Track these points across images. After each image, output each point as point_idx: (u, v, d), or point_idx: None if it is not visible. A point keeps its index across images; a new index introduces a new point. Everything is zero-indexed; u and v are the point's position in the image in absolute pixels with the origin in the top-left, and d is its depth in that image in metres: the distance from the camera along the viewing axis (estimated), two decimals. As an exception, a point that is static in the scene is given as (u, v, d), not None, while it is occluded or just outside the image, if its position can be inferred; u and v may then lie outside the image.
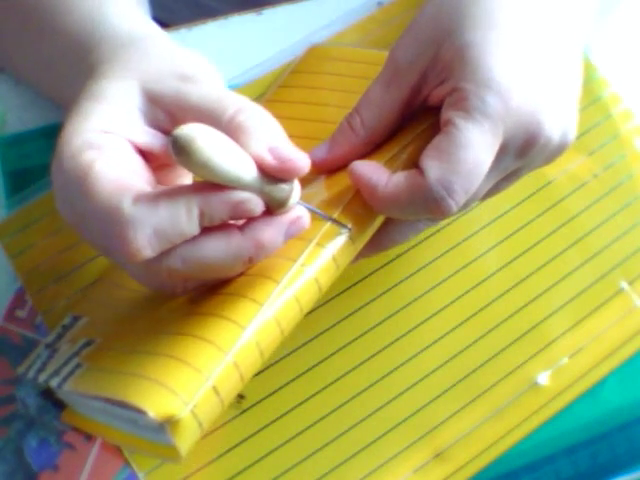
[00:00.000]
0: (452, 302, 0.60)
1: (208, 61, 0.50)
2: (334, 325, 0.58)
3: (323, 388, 0.57)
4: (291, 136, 0.47)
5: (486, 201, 0.55)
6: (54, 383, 0.50)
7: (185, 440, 0.44)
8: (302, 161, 0.46)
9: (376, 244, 0.52)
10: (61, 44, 0.55)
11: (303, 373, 0.57)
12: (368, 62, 0.61)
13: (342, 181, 0.51)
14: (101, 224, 0.44)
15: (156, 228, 0.43)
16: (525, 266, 0.61)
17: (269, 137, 0.46)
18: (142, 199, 0.43)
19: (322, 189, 0.52)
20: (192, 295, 0.49)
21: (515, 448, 0.58)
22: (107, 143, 0.45)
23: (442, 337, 0.59)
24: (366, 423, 0.57)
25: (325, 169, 0.53)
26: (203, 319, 0.46)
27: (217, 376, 0.44)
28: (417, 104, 0.53)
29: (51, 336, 0.54)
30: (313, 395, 0.57)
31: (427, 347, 0.59)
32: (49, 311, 0.58)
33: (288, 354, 0.57)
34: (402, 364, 0.58)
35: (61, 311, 0.56)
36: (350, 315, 0.59)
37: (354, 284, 0.59)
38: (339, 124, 0.53)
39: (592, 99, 0.66)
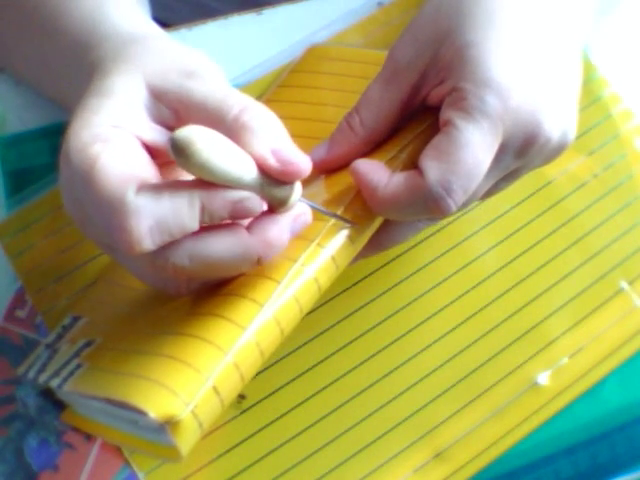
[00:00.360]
0: (452, 302, 0.60)
1: (211, 59, 0.50)
2: (334, 325, 0.58)
3: (323, 388, 0.57)
4: (290, 135, 0.47)
5: (486, 201, 0.55)
6: (54, 384, 0.50)
7: (186, 440, 0.44)
8: (304, 164, 0.46)
9: (376, 244, 0.52)
10: (62, 43, 0.55)
11: (303, 373, 0.57)
12: (367, 62, 0.61)
13: (342, 181, 0.51)
14: (104, 214, 0.44)
15: (158, 219, 0.43)
16: (525, 266, 0.61)
17: (272, 138, 0.46)
18: (145, 189, 0.44)
19: (322, 189, 0.52)
20: (193, 295, 0.49)
21: (515, 448, 0.58)
22: (115, 137, 0.45)
23: (442, 337, 0.59)
24: (366, 423, 0.57)
25: (325, 169, 0.53)
26: (203, 319, 0.46)
27: (217, 376, 0.44)
28: (416, 104, 0.53)
29: (51, 336, 0.54)
30: (313, 395, 0.57)
31: (427, 347, 0.59)
32: (49, 311, 0.58)
33: (288, 354, 0.57)
34: (402, 364, 0.58)
35: (61, 311, 0.56)
36: (350, 315, 0.59)
37: (354, 284, 0.59)
38: (338, 124, 0.53)
39: (592, 99, 0.66)
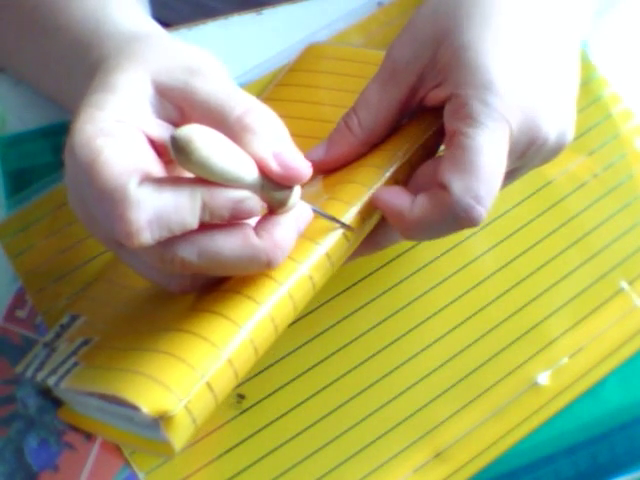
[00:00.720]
0: (452, 302, 0.60)
1: (213, 57, 0.50)
2: (334, 325, 0.58)
3: (323, 388, 0.57)
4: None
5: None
6: (51, 382, 0.50)
7: (179, 436, 0.44)
8: (304, 169, 0.46)
9: (373, 243, 0.52)
10: (63, 43, 0.55)
11: (303, 373, 0.57)
12: (366, 62, 0.61)
13: (340, 180, 0.51)
14: (105, 205, 0.44)
15: (158, 212, 0.43)
16: (525, 266, 0.61)
17: (274, 141, 0.46)
18: (148, 182, 0.44)
19: (320, 189, 0.52)
20: (194, 293, 0.49)
21: (515, 448, 0.58)
22: (121, 132, 0.45)
23: (442, 337, 0.59)
24: (366, 423, 0.57)
25: (323, 169, 0.53)
26: (198, 315, 0.46)
27: (211, 373, 0.44)
28: (414, 104, 0.53)
29: (49, 335, 0.54)
30: (313, 395, 0.57)
31: (427, 347, 0.59)
32: (49, 311, 0.58)
33: (288, 354, 0.57)
34: (402, 364, 0.58)
35: (61, 311, 0.56)
36: (350, 315, 0.59)
37: (354, 284, 0.59)
38: (336, 124, 0.53)
39: (592, 99, 0.66)
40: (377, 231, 0.52)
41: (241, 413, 0.56)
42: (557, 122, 0.50)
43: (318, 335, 0.58)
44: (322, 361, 0.58)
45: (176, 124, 0.48)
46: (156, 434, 0.44)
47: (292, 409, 0.57)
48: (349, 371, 0.58)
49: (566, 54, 0.52)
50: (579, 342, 0.60)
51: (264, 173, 0.45)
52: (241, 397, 0.56)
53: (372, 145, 0.52)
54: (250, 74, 0.64)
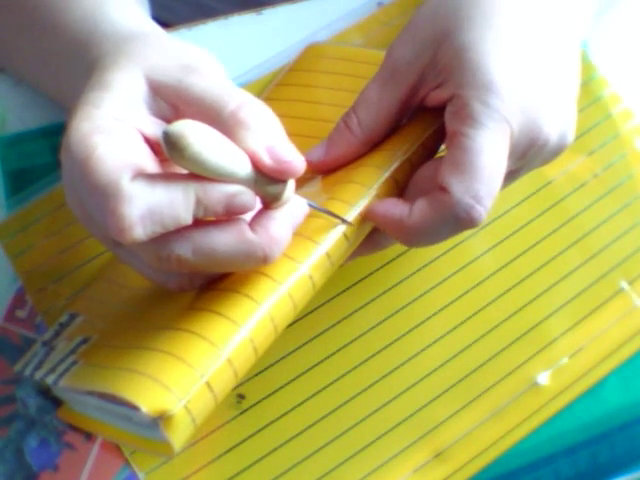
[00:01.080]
0: (452, 302, 0.60)
1: (211, 55, 0.50)
2: (334, 325, 0.58)
3: (323, 388, 0.57)
4: (287, 134, 0.47)
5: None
6: (50, 380, 0.50)
7: (178, 436, 0.44)
8: (298, 163, 0.46)
9: (373, 243, 0.52)
10: (61, 42, 0.55)
11: (303, 373, 0.57)
12: (366, 61, 0.61)
13: (339, 180, 0.51)
14: (98, 200, 0.44)
15: (151, 207, 0.43)
16: (525, 266, 0.61)
17: (268, 136, 0.46)
18: (141, 178, 0.43)
19: (319, 189, 0.52)
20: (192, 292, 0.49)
21: (515, 448, 0.58)
22: (117, 130, 0.45)
23: (442, 337, 0.59)
24: (366, 423, 0.57)
25: (323, 169, 0.53)
26: (198, 314, 0.46)
27: (211, 372, 0.44)
28: (414, 104, 0.53)
29: (48, 334, 0.54)
30: (313, 395, 0.57)
31: (427, 347, 0.59)
32: (49, 311, 0.58)
33: (288, 354, 0.57)
34: (402, 364, 0.58)
35: (61, 311, 0.56)
36: (350, 315, 0.59)
37: (354, 284, 0.59)
38: (336, 124, 0.53)
39: (592, 99, 0.66)
40: (377, 231, 0.52)
41: (241, 413, 0.56)
42: (558, 123, 0.50)
43: (318, 335, 0.58)
44: (322, 361, 0.58)
45: (170, 122, 0.48)
46: (155, 434, 0.44)
47: (292, 409, 0.57)
48: (349, 371, 0.58)
49: (566, 54, 0.52)
50: (579, 342, 0.60)
51: (257, 167, 0.45)
52: (241, 397, 0.56)
53: (372, 145, 0.52)
54: (250, 74, 0.64)
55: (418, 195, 0.49)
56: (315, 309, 0.58)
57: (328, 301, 0.58)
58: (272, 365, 0.57)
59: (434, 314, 0.60)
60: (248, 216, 0.46)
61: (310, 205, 0.48)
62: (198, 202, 0.44)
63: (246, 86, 0.63)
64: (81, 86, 0.49)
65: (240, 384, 0.52)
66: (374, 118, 0.52)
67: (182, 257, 0.45)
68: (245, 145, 0.45)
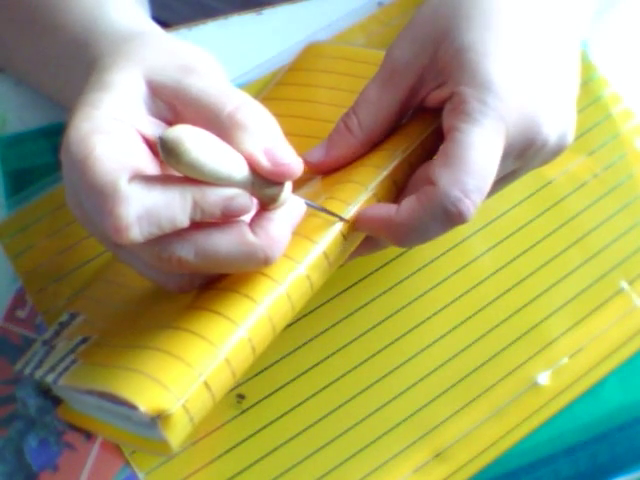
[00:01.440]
0: (452, 302, 0.60)
1: (210, 55, 0.50)
2: (334, 325, 0.58)
3: (323, 388, 0.57)
4: (286, 134, 0.47)
5: (486, 201, 0.55)
6: (50, 379, 0.50)
7: (176, 435, 0.44)
8: (295, 166, 0.46)
9: (373, 243, 0.52)
10: (61, 41, 0.55)
11: (303, 373, 0.57)
12: (365, 61, 0.61)
13: (338, 180, 0.51)
14: (96, 200, 0.44)
15: (148, 209, 0.43)
16: (525, 266, 0.61)
17: (265, 137, 0.46)
18: (139, 179, 0.44)
19: (319, 189, 0.52)
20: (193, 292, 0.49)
21: (515, 448, 0.58)
22: (116, 130, 0.45)
23: (442, 337, 0.59)
24: (366, 423, 0.57)
25: (323, 170, 0.53)
26: (196, 314, 0.46)
27: (209, 372, 0.44)
28: (414, 104, 0.53)
29: (48, 333, 0.54)
30: (313, 395, 0.57)
31: (427, 347, 0.59)
32: (49, 311, 0.58)
33: (288, 354, 0.57)
34: (402, 364, 0.58)
35: (61, 311, 0.56)
36: (350, 315, 0.59)
37: (354, 284, 0.59)
38: (336, 125, 0.53)
39: (592, 99, 0.66)
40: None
41: (241, 413, 0.56)
42: (558, 124, 0.50)
43: (318, 335, 0.58)
44: (322, 361, 0.58)
45: (169, 122, 0.48)
46: (154, 433, 0.44)
47: (292, 409, 0.57)
48: (349, 371, 0.58)
49: (566, 55, 0.52)
50: (579, 342, 0.60)
51: (254, 170, 0.45)
52: (241, 397, 0.56)
53: (372, 145, 0.52)
54: (250, 74, 0.64)
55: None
56: (315, 309, 0.58)
57: (328, 301, 0.58)
58: (272, 365, 0.57)
59: (434, 314, 0.60)
60: (246, 218, 0.46)
61: (307, 204, 0.48)
62: (195, 205, 0.44)
63: (246, 86, 0.63)
64: (81, 86, 0.49)
65: (240, 384, 0.52)
66: (374, 119, 0.52)
67: (183, 258, 0.45)
68: (242, 147, 0.45)
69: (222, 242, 0.45)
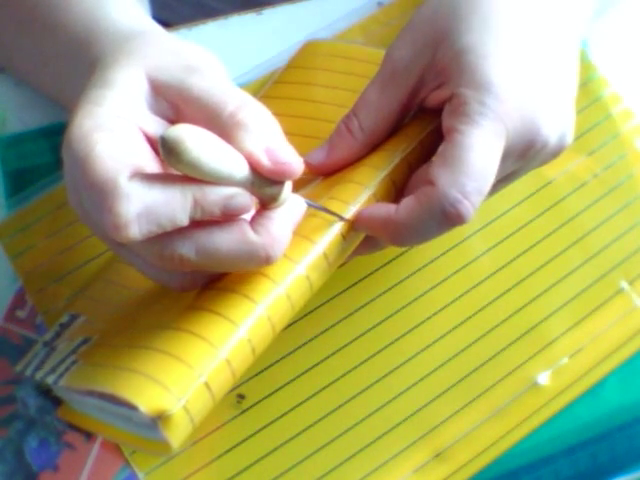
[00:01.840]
0: (452, 302, 0.60)
1: (212, 54, 0.50)
2: (334, 325, 0.58)
3: (323, 388, 0.57)
4: (285, 133, 0.47)
5: (485, 201, 0.55)
6: (50, 380, 0.50)
7: (177, 435, 0.44)
8: (296, 165, 0.46)
9: (372, 243, 0.52)
10: (61, 40, 0.55)
11: (303, 373, 0.57)
12: (364, 60, 0.61)
13: (338, 181, 0.51)
14: (96, 197, 0.44)
15: (148, 207, 0.43)
16: (525, 266, 0.61)
17: (266, 137, 0.46)
18: (139, 177, 0.44)
19: (320, 190, 0.52)
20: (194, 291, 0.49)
21: (515, 448, 0.58)
22: (118, 127, 0.45)
23: (442, 337, 0.59)
24: (366, 423, 0.57)
25: (324, 172, 0.53)
26: (196, 314, 0.46)
27: (209, 372, 0.44)
28: (415, 106, 0.53)
29: (49, 334, 0.54)
30: (313, 395, 0.57)
31: (427, 347, 0.59)
32: (49, 311, 0.58)
33: (288, 354, 0.57)
34: (402, 364, 0.58)
35: (61, 311, 0.56)
36: (350, 315, 0.59)
37: (354, 284, 0.59)
38: (336, 127, 0.53)
39: (592, 99, 0.66)
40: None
41: (241, 413, 0.56)
42: (557, 125, 0.50)
43: (318, 335, 0.58)
44: (322, 361, 0.58)
45: (171, 121, 0.48)
46: (154, 433, 0.44)
47: (292, 409, 0.57)
48: (349, 371, 0.58)
49: (566, 55, 0.52)
50: (579, 342, 0.60)
51: (255, 169, 0.45)
52: (241, 397, 0.56)
53: (373, 147, 0.52)
54: (250, 74, 0.64)
55: None
56: (315, 309, 0.58)
57: (328, 301, 0.58)
58: (272, 365, 0.57)
59: (434, 314, 0.60)
60: (247, 217, 0.46)
61: (308, 204, 0.48)
62: (195, 203, 0.44)
63: (246, 86, 0.63)
64: (81, 85, 0.49)
65: (240, 384, 0.52)
66: (375, 120, 0.52)
67: (185, 256, 0.45)
68: (244, 146, 0.45)
69: (223, 240, 0.45)
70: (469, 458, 0.57)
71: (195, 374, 0.44)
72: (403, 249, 0.60)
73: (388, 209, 0.49)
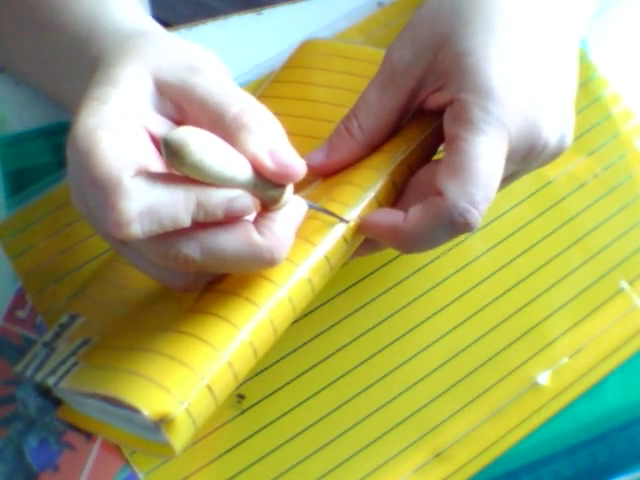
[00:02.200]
0: (452, 302, 0.60)
1: (214, 54, 0.50)
2: (334, 325, 0.58)
3: (323, 388, 0.57)
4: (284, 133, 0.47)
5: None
6: (51, 382, 0.50)
7: (179, 438, 0.44)
8: (299, 167, 0.46)
9: (373, 245, 0.52)
10: (62, 39, 0.55)
11: (303, 373, 0.57)
12: (362, 59, 0.61)
13: (338, 183, 0.51)
14: (98, 194, 0.44)
15: (151, 206, 0.43)
16: (525, 266, 0.61)
17: (270, 139, 0.46)
18: (143, 175, 0.44)
19: (319, 191, 0.52)
20: (195, 292, 0.49)
21: (515, 448, 0.58)
22: (123, 126, 0.45)
23: (442, 337, 0.59)
24: (366, 423, 0.57)
25: (324, 173, 0.53)
26: (198, 317, 0.46)
27: (211, 375, 0.44)
28: (414, 107, 0.53)
29: (48, 334, 0.54)
30: (313, 395, 0.57)
31: (427, 347, 0.59)
32: (49, 311, 0.58)
33: (288, 354, 0.57)
34: (402, 364, 0.58)
35: (61, 311, 0.56)
36: (350, 315, 0.59)
37: (354, 284, 0.59)
38: (336, 128, 0.53)
39: (592, 99, 0.66)
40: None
41: (241, 413, 0.56)
42: (557, 127, 0.51)
43: (318, 335, 0.58)
44: (322, 361, 0.58)
45: (175, 121, 0.48)
46: (156, 436, 0.44)
47: (292, 409, 0.57)
48: (349, 371, 0.58)
49: (565, 56, 0.52)
50: (579, 342, 0.60)
51: (258, 171, 0.45)
52: (241, 397, 0.56)
53: (373, 148, 0.52)
54: (250, 74, 0.64)
55: (415, 199, 0.49)
56: (315, 309, 0.58)
57: (328, 301, 0.58)
58: (272, 365, 0.57)
59: (434, 314, 0.60)
60: (249, 218, 0.46)
61: (310, 205, 0.48)
62: (198, 205, 0.44)
63: (246, 86, 0.63)
64: (82, 84, 0.49)
65: (240, 384, 0.52)
66: (374, 122, 0.52)
67: (190, 257, 0.45)
68: (247, 148, 0.45)
69: (229, 241, 0.45)
70: (469, 458, 0.57)
71: (197, 377, 0.44)
72: (403, 249, 0.60)
73: (396, 217, 0.49)
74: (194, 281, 0.48)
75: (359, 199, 0.50)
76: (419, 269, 0.60)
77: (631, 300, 0.62)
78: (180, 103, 0.48)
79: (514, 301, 0.60)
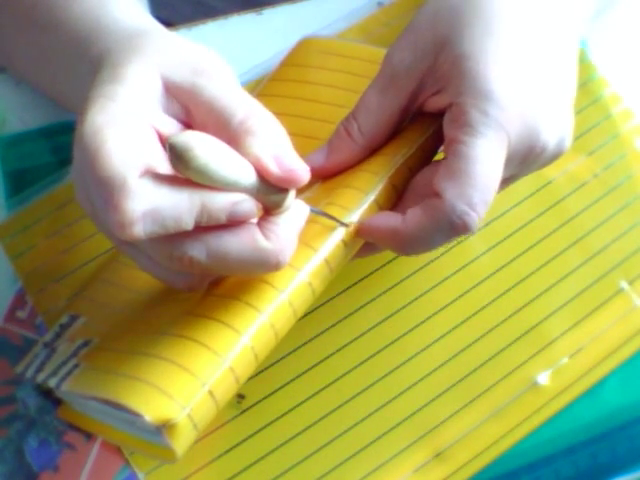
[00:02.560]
0: (452, 302, 0.60)
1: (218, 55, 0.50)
2: (334, 325, 0.58)
3: (323, 388, 0.57)
4: None
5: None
6: (52, 383, 0.50)
7: (181, 442, 0.44)
8: (303, 172, 0.46)
9: (372, 247, 0.52)
10: (62, 39, 0.55)
11: (303, 373, 0.57)
12: (361, 58, 0.61)
13: (338, 186, 0.51)
14: (103, 193, 0.44)
15: (155, 207, 0.43)
16: (525, 266, 0.61)
17: (275, 144, 0.46)
18: (149, 176, 0.44)
19: (318, 194, 0.52)
20: (194, 295, 0.49)
21: (515, 448, 0.58)
22: (131, 124, 0.45)
23: (442, 337, 0.59)
24: (366, 423, 0.57)
25: (323, 175, 0.53)
26: (200, 322, 0.46)
27: (213, 380, 0.44)
28: (414, 109, 0.53)
29: (49, 335, 0.54)
30: (313, 395, 0.57)
31: (427, 347, 0.59)
32: (49, 312, 0.58)
33: (288, 354, 0.57)
34: (402, 364, 0.58)
35: (61, 312, 0.56)
36: (350, 315, 0.59)
37: (354, 284, 0.59)
38: (336, 130, 0.53)
39: (592, 99, 0.66)
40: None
41: (241, 413, 0.56)
42: (556, 130, 0.51)
43: (318, 335, 0.58)
44: (322, 361, 0.58)
45: (181, 121, 0.48)
46: (158, 439, 0.44)
47: (292, 409, 0.57)
48: (349, 371, 0.58)
49: (564, 58, 0.52)
50: (579, 342, 0.60)
51: (262, 175, 0.45)
52: (241, 397, 0.56)
53: (372, 150, 0.52)
54: (250, 74, 0.64)
55: (415, 201, 0.50)
56: (315, 309, 0.58)
57: (328, 301, 0.58)
58: (272, 365, 0.57)
59: (434, 314, 0.60)
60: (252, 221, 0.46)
61: (312, 210, 0.48)
62: (202, 208, 0.44)
63: (245, 86, 0.63)
64: (82, 84, 0.49)
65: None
66: (374, 124, 0.52)
67: (195, 259, 0.45)
68: (252, 152, 0.45)
69: (234, 245, 0.45)
70: (469, 458, 0.57)
71: (199, 383, 0.44)
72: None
73: (394, 220, 0.49)
74: (198, 281, 0.48)
75: (359, 202, 0.50)
76: (419, 269, 0.60)
77: (631, 300, 0.62)
78: (187, 105, 0.48)
79: (514, 301, 0.60)
